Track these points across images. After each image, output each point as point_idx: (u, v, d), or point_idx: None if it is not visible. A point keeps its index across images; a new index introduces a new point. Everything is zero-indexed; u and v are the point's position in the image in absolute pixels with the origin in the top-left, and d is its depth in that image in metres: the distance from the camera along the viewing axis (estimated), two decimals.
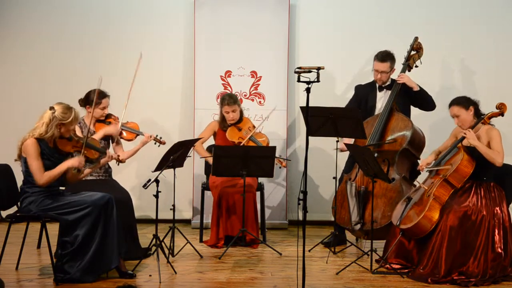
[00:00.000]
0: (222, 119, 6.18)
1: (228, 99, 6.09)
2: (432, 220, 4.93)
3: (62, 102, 4.80)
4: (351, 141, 5.75)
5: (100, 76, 4.90)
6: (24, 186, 4.81)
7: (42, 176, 4.66)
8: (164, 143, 5.55)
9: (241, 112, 6.20)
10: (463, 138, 5.02)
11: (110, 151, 5.37)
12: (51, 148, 4.77)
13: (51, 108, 4.72)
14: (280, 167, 6.04)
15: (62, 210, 4.71)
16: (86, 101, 5.47)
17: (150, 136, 5.54)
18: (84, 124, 5.49)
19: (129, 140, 5.61)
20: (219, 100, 6.38)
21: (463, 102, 5.09)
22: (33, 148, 4.65)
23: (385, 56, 5.86)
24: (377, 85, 5.96)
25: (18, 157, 4.79)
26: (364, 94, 6.01)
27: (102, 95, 5.46)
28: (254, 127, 6.18)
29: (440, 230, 4.89)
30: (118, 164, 5.47)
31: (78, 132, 5.35)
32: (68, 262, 4.70)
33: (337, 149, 5.57)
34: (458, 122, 5.12)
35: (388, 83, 5.94)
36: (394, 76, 5.93)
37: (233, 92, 6.74)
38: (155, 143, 5.55)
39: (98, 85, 4.91)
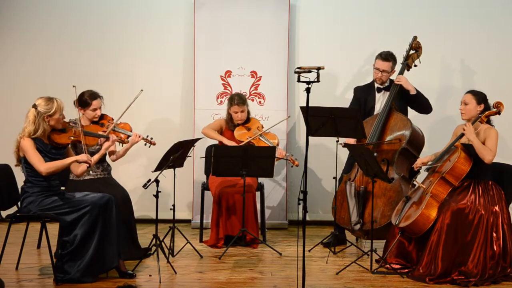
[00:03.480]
0: (230, 119, 6.16)
1: (238, 99, 6.08)
2: (429, 217, 4.93)
3: (43, 96, 4.81)
4: (353, 141, 5.75)
5: (74, 86, 4.97)
6: (25, 186, 4.82)
7: (43, 164, 4.66)
8: (154, 144, 5.47)
9: (249, 113, 6.20)
10: (463, 134, 5.04)
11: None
12: (47, 145, 4.77)
13: (34, 105, 4.74)
14: (292, 166, 6.01)
15: (62, 210, 4.72)
16: (78, 102, 5.46)
17: (139, 136, 5.45)
18: (80, 124, 5.47)
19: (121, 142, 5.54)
20: (224, 102, 6.34)
21: (478, 95, 5.12)
22: (28, 143, 4.67)
23: (389, 56, 5.88)
24: (376, 86, 5.97)
25: (17, 161, 4.80)
26: (362, 96, 6.02)
27: (93, 96, 5.44)
28: (262, 127, 6.16)
29: (437, 228, 4.90)
30: (122, 145, 5.47)
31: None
32: (68, 262, 4.70)
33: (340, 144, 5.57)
34: (463, 110, 5.14)
35: (386, 84, 5.95)
36: (392, 77, 5.94)
37: (233, 92, 6.74)
38: (145, 144, 5.50)
39: (75, 95, 4.99)
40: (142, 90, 5.52)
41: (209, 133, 6.16)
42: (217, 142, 6.24)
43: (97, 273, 4.78)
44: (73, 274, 4.68)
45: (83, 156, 4.79)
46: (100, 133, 5.31)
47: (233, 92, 6.72)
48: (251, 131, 6.09)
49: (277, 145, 6.05)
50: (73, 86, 5.01)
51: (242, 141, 6.02)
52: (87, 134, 5.00)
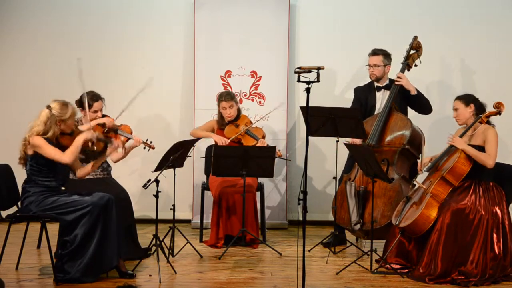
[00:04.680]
0: (220, 117, 6.20)
1: (225, 95, 6.14)
2: (429, 217, 4.93)
3: (58, 99, 4.80)
4: (359, 141, 5.73)
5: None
6: (26, 185, 4.80)
7: (64, 155, 4.67)
8: (153, 148, 5.47)
9: (239, 110, 6.22)
10: (452, 146, 5.07)
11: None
12: (55, 145, 4.77)
13: (48, 106, 4.73)
14: (285, 160, 5.99)
15: (62, 210, 4.71)
16: (80, 103, 5.45)
17: (139, 141, 5.47)
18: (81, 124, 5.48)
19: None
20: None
21: (464, 98, 5.17)
22: (42, 139, 4.66)
23: (378, 50, 5.91)
24: (375, 85, 5.97)
25: (23, 159, 4.77)
26: (363, 95, 6.02)
27: (95, 98, 5.44)
28: (251, 122, 6.20)
29: (437, 228, 4.90)
30: (112, 158, 5.50)
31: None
32: (68, 262, 4.70)
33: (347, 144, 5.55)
34: (455, 116, 5.20)
35: (386, 82, 5.95)
36: (392, 75, 5.94)
37: (233, 92, 6.74)
38: (144, 148, 5.50)
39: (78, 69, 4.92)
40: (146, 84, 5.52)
41: (196, 133, 6.21)
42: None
43: (97, 273, 4.77)
44: (73, 273, 4.68)
45: (88, 134, 4.80)
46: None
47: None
48: (240, 128, 6.11)
49: (263, 137, 6.09)
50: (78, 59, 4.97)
51: (230, 138, 6.04)
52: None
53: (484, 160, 4.95)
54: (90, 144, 4.86)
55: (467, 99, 5.15)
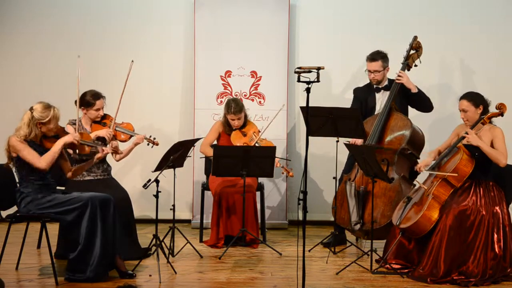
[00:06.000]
0: (227, 123, 6.14)
1: (234, 107, 6.02)
2: (431, 219, 4.93)
3: (43, 101, 4.78)
4: (360, 141, 5.71)
5: (79, 56, 4.91)
6: (19, 187, 4.80)
7: (40, 160, 4.64)
8: (157, 144, 5.48)
9: (245, 116, 6.18)
10: (463, 137, 5.01)
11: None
12: (39, 145, 4.75)
13: (31, 108, 4.72)
14: (287, 176, 5.98)
15: (61, 208, 4.70)
16: (81, 102, 5.45)
17: (142, 138, 5.47)
18: (81, 125, 5.47)
19: (123, 141, 5.56)
20: (224, 103, 6.28)
21: (475, 99, 5.08)
22: (19, 142, 4.64)
23: (375, 55, 5.86)
24: (374, 87, 5.96)
25: (9, 159, 4.76)
26: (363, 96, 6.01)
27: (97, 96, 5.44)
28: (259, 131, 6.14)
29: (439, 230, 4.90)
30: (115, 156, 5.49)
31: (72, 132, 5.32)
32: (80, 262, 4.67)
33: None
34: (464, 117, 5.12)
35: (385, 83, 5.95)
36: (392, 75, 5.93)
37: (233, 92, 6.74)
38: (148, 144, 5.51)
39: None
40: (132, 61, 5.51)
41: (207, 153, 6.13)
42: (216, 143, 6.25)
43: (107, 270, 4.77)
44: (88, 273, 4.66)
45: (69, 137, 4.75)
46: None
47: (233, 93, 6.73)
48: (247, 137, 6.07)
49: None
50: (78, 56, 4.96)
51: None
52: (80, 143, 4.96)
53: (498, 158, 4.91)
54: (72, 150, 4.82)
55: (476, 100, 5.06)
